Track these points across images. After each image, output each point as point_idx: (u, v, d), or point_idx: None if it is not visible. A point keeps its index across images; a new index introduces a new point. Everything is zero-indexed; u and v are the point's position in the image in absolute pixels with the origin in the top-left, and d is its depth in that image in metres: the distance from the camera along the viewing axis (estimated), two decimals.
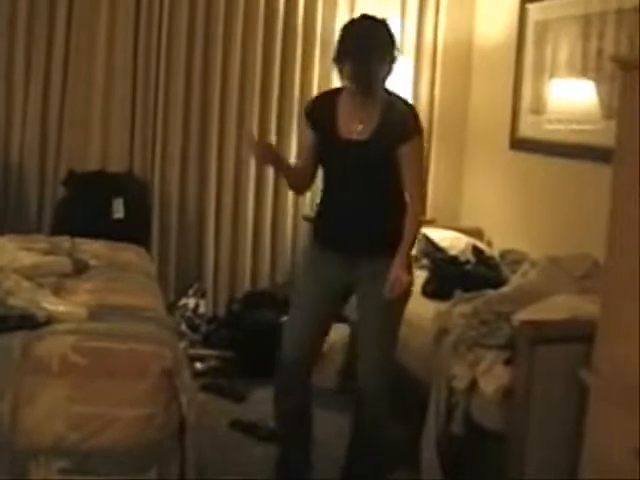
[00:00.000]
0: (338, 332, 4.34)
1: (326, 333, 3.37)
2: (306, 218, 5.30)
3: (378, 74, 3.06)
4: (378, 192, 3.18)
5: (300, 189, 3.49)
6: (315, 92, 5.05)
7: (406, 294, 3.20)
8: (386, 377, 3.22)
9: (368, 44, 3.03)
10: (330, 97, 3.26)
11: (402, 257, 3.09)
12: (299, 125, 5.14)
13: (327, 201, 3.29)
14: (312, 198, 5.35)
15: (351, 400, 3.36)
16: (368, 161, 3.13)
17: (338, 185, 3.22)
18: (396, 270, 3.06)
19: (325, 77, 5.14)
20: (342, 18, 5.27)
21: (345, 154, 3.15)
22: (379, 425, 3.24)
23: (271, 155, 3.23)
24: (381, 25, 3.09)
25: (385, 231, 3.18)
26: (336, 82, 5.12)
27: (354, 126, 3.14)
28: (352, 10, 5.30)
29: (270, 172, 5.27)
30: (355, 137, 3.13)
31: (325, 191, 3.30)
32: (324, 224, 3.30)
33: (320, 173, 3.32)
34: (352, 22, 3.20)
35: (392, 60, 3.09)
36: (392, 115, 3.14)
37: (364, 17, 3.16)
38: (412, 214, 3.13)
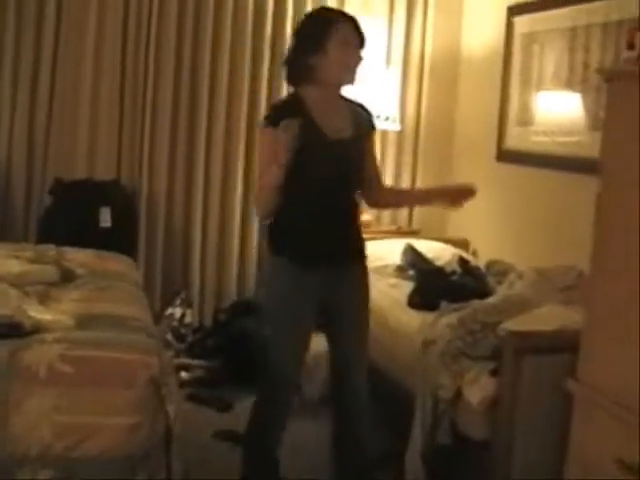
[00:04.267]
0: (322, 343, 4.31)
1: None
2: None
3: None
4: (353, 195, 3.11)
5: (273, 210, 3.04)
6: None
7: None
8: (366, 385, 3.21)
9: (359, 30, 2.94)
10: (293, 101, 3.04)
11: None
12: None
13: (302, 212, 3.01)
14: None
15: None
16: (354, 160, 3.04)
17: (320, 193, 2.99)
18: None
19: None
20: None
21: (333, 156, 2.96)
22: (366, 434, 3.21)
23: None
24: None
25: (359, 237, 3.16)
26: None
27: (336, 125, 3.00)
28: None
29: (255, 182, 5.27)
30: (340, 136, 3.00)
31: (298, 202, 2.98)
32: (304, 237, 3.03)
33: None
34: (323, 10, 3.07)
35: None
36: (357, 108, 3.11)
37: (328, 9, 3.09)
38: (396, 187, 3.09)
